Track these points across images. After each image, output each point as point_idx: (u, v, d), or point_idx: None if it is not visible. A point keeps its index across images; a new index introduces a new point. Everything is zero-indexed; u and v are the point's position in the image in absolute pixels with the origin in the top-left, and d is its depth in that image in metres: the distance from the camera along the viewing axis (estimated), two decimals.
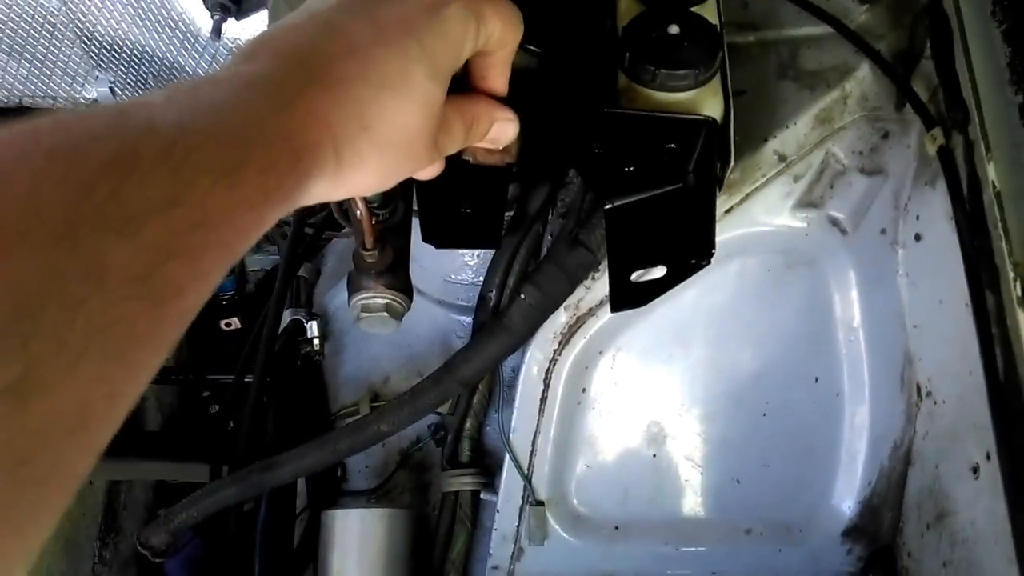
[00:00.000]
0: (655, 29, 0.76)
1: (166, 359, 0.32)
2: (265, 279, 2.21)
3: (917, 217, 0.88)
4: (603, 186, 0.67)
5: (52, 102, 1.63)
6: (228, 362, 1.90)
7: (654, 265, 0.70)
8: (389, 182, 0.49)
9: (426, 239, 0.73)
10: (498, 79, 0.56)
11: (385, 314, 0.79)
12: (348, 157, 0.42)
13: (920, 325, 0.91)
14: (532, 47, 0.85)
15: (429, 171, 0.57)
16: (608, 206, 0.67)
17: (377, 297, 0.79)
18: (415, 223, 0.76)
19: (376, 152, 0.44)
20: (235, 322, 1.98)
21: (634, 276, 0.69)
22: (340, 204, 0.83)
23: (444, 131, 0.51)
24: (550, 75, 0.72)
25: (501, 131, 0.57)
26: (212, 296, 0.33)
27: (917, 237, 0.88)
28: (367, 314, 0.79)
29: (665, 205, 0.68)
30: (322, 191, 0.42)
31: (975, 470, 0.82)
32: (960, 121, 0.80)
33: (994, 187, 0.74)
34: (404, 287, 0.80)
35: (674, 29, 0.76)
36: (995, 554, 0.77)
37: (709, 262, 0.67)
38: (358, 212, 0.77)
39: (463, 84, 0.57)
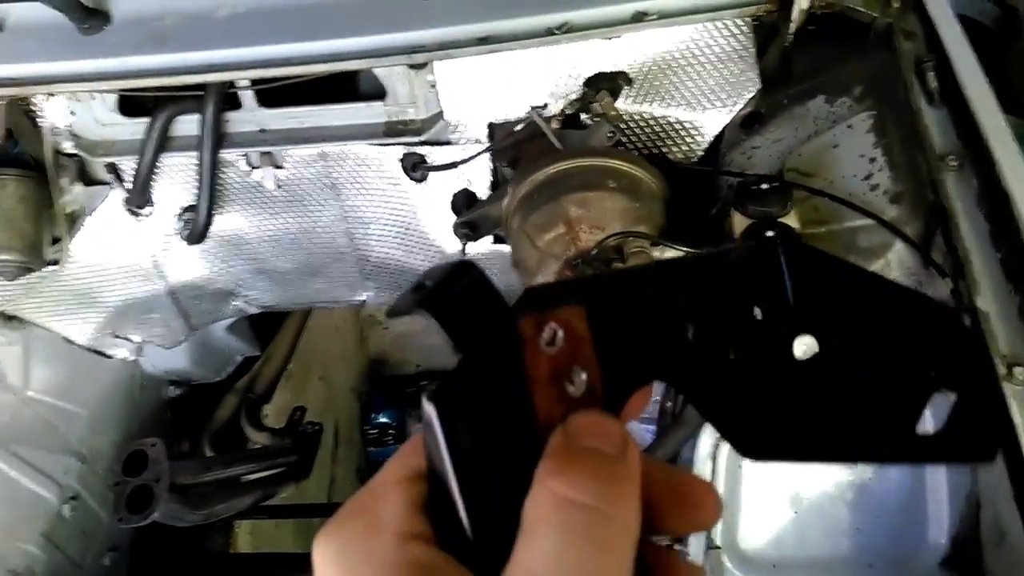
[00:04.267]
0: (760, 232, 1.32)
1: None
2: None
3: None
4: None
5: (333, 305, 2.33)
6: None
7: None
8: None
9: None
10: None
11: None
12: None
13: None
14: (682, 247, 1.42)
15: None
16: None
17: None
18: None
19: None
20: None
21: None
22: None
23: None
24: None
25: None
26: None
27: None
28: None
29: None
30: None
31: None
32: (961, 272, 1.28)
33: (982, 311, 1.21)
34: None
35: (770, 233, 1.31)
36: None
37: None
38: None
39: None
